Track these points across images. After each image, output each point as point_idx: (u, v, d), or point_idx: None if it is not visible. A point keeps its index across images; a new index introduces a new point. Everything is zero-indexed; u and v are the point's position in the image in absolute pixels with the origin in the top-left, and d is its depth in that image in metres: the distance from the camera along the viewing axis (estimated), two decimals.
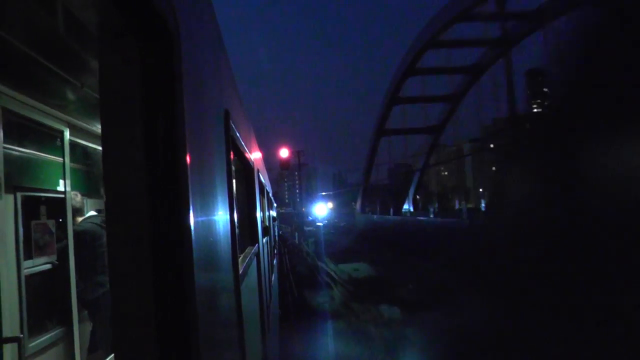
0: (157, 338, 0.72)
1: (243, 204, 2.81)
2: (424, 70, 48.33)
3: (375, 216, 51.18)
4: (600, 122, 2.82)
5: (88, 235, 3.35)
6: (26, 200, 2.63)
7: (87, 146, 3.60)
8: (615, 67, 2.71)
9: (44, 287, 2.80)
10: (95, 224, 3.43)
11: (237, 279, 1.45)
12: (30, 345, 2.52)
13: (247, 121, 2.68)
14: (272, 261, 6.01)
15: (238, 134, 1.84)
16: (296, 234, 36.29)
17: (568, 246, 3.38)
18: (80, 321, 3.15)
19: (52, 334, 2.81)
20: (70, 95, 2.60)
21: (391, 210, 50.32)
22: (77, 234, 3.24)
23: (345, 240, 39.87)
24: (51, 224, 2.96)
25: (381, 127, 53.39)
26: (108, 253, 0.75)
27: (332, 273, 21.50)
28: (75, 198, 3.34)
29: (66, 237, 3.10)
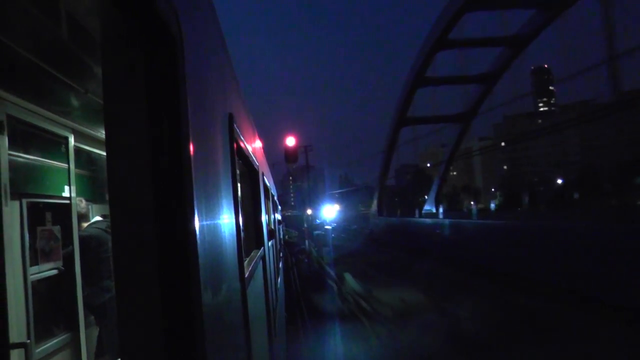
0: (164, 343, 0.73)
1: (248, 208, 2.82)
2: (459, 43, 37.08)
3: (395, 219, 43.91)
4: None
5: (93, 241, 3.40)
6: (32, 207, 2.68)
7: (91, 152, 3.65)
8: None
9: (50, 293, 2.84)
10: (101, 229, 3.48)
11: (243, 282, 1.46)
12: (37, 350, 2.56)
13: (251, 124, 2.70)
14: (278, 264, 6.03)
15: (242, 138, 1.86)
16: (307, 242, 28.17)
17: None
18: (86, 326, 3.19)
19: (59, 339, 2.85)
20: (75, 102, 2.64)
21: (416, 211, 44.21)
22: (82, 240, 3.28)
23: (365, 247, 34.09)
24: (57, 230, 3.01)
25: (402, 114, 42.68)
26: (113, 258, 0.76)
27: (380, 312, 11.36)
28: (80, 204, 3.39)
29: (72, 243, 3.14)
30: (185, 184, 0.79)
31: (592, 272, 12.07)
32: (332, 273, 18.28)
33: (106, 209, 3.91)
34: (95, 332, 3.44)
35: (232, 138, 1.50)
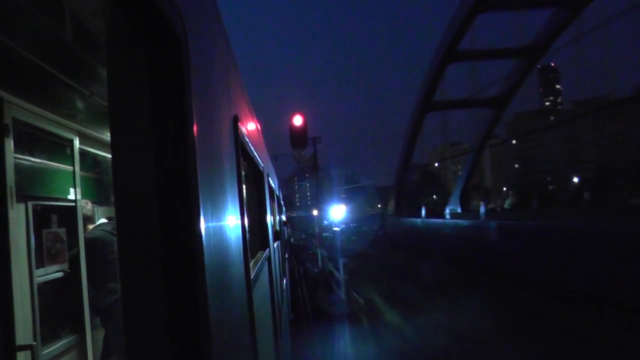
0: (170, 344, 0.74)
1: (253, 209, 2.84)
2: (503, 3, 30.54)
3: (418, 220, 35.44)
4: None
5: (99, 243, 3.44)
6: (37, 209, 2.71)
7: (96, 154, 3.70)
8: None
9: (56, 295, 2.88)
10: (106, 231, 3.53)
11: (249, 284, 1.47)
12: (44, 352, 2.60)
13: (256, 125, 2.72)
14: (283, 265, 6.05)
15: (247, 139, 1.87)
16: (319, 251, 19.04)
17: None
18: (92, 328, 3.23)
19: (65, 341, 2.89)
20: (79, 104, 2.68)
21: (447, 211, 36.09)
22: (88, 242, 3.32)
23: (387, 254, 29.70)
24: (62, 232, 3.05)
25: (428, 97, 35.41)
26: (119, 260, 0.78)
27: None
28: (85, 206, 3.43)
29: (77, 245, 3.18)
30: (191, 185, 0.80)
31: None
32: (360, 301, 12.29)
33: (111, 211, 3.96)
34: (101, 334, 3.49)
35: (237, 139, 1.51)
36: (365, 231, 51.61)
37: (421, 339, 9.84)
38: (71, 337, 2.97)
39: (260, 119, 3.10)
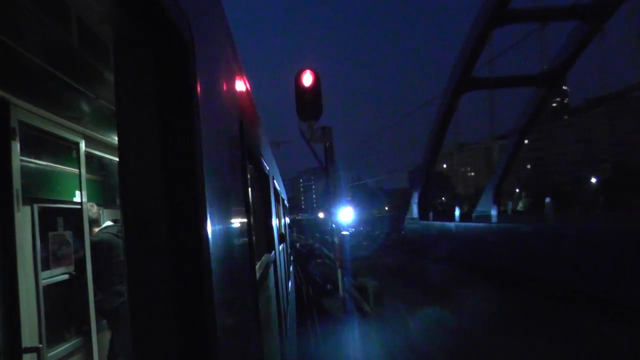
0: (177, 346, 0.76)
1: (259, 212, 2.86)
2: None
3: (452, 224, 29.81)
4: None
5: (105, 245, 3.49)
6: (43, 212, 2.76)
7: (102, 157, 3.75)
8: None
9: (62, 298, 2.92)
10: (112, 234, 3.57)
11: (255, 286, 1.49)
12: (49, 355, 2.64)
13: (262, 128, 2.74)
14: (288, 268, 6.08)
15: (253, 142, 1.88)
16: (339, 273, 9.20)
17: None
18: (98, 331, 3.27)
19: (71, 343, 2.93)
20: (86, 107, 2.72)
21: (494, 212, 28.58)
22: (94, 244, 3.37)
23: (416, 268, 23.71)
24: (68, 234, 3.09)
25: (466, 71, 28.88)
26: (126, 262, 0.79)
27: None
28: (91, 209, 3.48)
29: (83, 248, 3.23)
30: (197, 188, 0.81)
31: None
32: None
33: (117, 213, 4.00)
34: (107, 336, 3.53)
35: (243, 143, 1.52)
36: (377, 235, 47.78)
37: None
38: (77, 340, 3.01)
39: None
